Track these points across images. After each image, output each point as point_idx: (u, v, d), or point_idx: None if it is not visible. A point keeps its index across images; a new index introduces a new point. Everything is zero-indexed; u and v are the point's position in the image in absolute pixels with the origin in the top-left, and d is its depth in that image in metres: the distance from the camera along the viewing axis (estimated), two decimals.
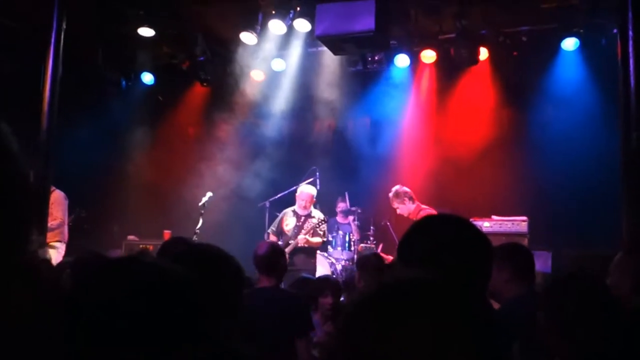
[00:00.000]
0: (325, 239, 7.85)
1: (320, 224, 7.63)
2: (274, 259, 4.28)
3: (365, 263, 5.09)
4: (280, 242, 7.64)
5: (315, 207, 7.94)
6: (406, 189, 7.21)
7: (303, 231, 7.58)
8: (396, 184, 7.60)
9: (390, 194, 7.31)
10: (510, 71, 8.50)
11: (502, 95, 8.71)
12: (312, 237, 7.64)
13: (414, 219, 6.77)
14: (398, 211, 7.24)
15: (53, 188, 7.32)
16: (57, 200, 7.30)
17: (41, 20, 5.93)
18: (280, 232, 7.79)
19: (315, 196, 7.88)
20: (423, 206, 7.23)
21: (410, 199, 7.20)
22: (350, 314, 1.02)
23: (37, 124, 5.22)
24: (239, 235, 7.74)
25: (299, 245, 7.51)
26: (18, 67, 8.79)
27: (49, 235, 7.27)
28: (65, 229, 7.47)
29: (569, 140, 7.75)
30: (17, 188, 0.65)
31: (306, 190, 7.85)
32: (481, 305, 1.80)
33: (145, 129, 10.10)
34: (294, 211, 7.84)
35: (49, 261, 6.08)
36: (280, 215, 7.92)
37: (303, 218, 7.74)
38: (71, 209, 7.75)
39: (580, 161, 7.52)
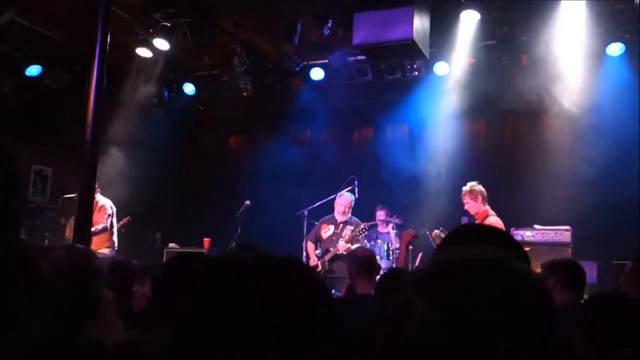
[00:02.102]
0: (365, 246, 7.76)
1: (361, 231, 7.59)
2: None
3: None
4: (318, 251, 7.64)
5: (352, 215, 7.90)
6: (482, 188, 6.97)
7: (342, 239, 7.55)
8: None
9: (465, 188, 6.97)
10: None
11: (543, 101, 8.55)
12: (353, 244, 7.59)
13: (477, 221, 6.70)
14: (466, 207, 6.97)
15: (100, 195, 7.55)
16: (103, 208, 7.53)
17: (85, 32, 6.09)
18: (318, 240, 7.77)
19: (353, 203, 7.85)
20: (492, 212, 6.96)
21: (484, 199, 6.96)
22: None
23: (82, 135, 5.34)
24: (277, 244, 7.76)
25: (339, 252, 7.46)
26: (64, 79, 9.06)
27: (95, 240, 7.46)
28: (113, 236, 7.66)
29: (614, 147, 7.55)
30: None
31: (346, 195, 7.84)
32: None
33: (186, 138, 10.26)
34: (332, 218, 7.83)
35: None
36: (319, 223, 7.91)
37: (341, 225, 7.68)
38: (119, 217, 7.96)
39: (626, 170, 7.32)
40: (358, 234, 7.55)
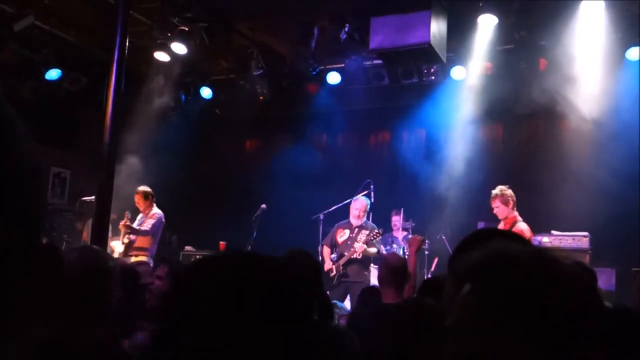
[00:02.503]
0: (379, 250, 7.71)
1: (375, 235, 7.56)
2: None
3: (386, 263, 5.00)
4: (333, 255, 7.62)
5: (368, 220, 7.88)
6: (512, 192, 6.86)
7: (357, 242, 7.50)
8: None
9: (496, 192, 6.80)
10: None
11: (561, 105, 8.48)
12: (369, 247, 7.58)
13: (505, 226, 6.57)
14: (495, 210, 6.85)
15: (150, 206, 7.60)
16: (154, 216, 7.57)
17: (104, 37, 6.15)
18: (334, 245, 7.75)
19: (368, 207, 7.83)
20: (520, 218, 6.83)
21: (514, 204, 6.85)
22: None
23: (100, 137, 5.39)
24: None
25: (355, 255, 7.43)
26: (83, 83, 9.15)
27: (138, 240, 7.49)
28: (154, 246, 7.66)
29: (632, 153, 7.46)
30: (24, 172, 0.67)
31: (361, 199, 7.82)
32: None
33: (202, 142, 10.31)
34: (347, 223, 7.80)
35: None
36: (334, 227, 7.90)
37: (356, 230, 7.64)
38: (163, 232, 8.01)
39: None
40: (372, 237, 7.52)
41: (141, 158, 8.94)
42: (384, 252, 8.21)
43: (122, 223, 7.34)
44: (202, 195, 10.02)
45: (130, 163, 8.47)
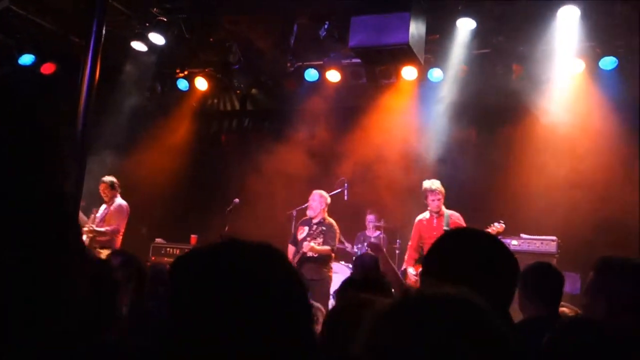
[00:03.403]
0: (334, 248, 7.38)
1: (323, 231, 7.25)
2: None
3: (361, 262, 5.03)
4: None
5: (328, 216, 7.61)
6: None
7: (313, 240, 7.20)
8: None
9: (439, 186, 7.14)
10: None
11: (534, 111, 8.61)
12: (322, 245, 7.24)
13: (434, 217, 7.17)
14: (437, 204, 7.12)
15: (115, 196, 7.56)
16: (118, 209, 7.54)
17: (81, 24, 6.07)
18: (296, 242, 7.57)
19: (327, 200, 7.59)
20: (452, 212, 7.23)
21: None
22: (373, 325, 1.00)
23: (73, 126, 5.33)
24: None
25: (307, 254, 7.14)
26: (57, 68, 9.02)
27: (101, 240, 7.45)
28: (119, 237, 7.63)
29: (604, 161, 7.61)
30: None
31: (315, 193, 7.58)
32: (508, 322, 1.77)
33: (177, 134, 10.24)
34: (308, 220, 7.60)
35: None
36: (298, 224, 7.78)
37: (315, 226, 7.44)
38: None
39: (612, 184, 7.38)
40: (321, 233, 7.25)
41: (113, 148, 8.86)
42: (356, 250, 8.25)
43: (87, 228, 7.33)
44: (174, 188, 9.94)
45: (102, 154, 8.40)
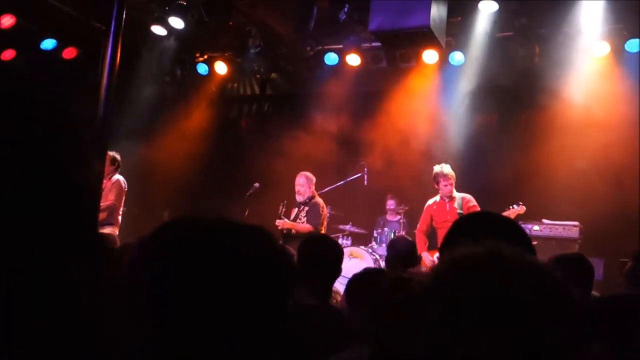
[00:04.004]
0: (317, 226, 7.26)
1: (309, 211, 7.24)
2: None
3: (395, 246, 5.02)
4: None
5: (316, 196, 7.54)
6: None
7: (299, 219, 7.22)
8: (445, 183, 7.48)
9: (450, 171, 7.09)
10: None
11: (558, 96, 8.48)
12: (305, 223, 7.23)
13: (446, 201, 7.09)
14: (449, 188, 7.07)
15: (114, 172, 7.56)
16: (115, 185, 7.53)
17: (101, 8, 6.08)
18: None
19: (313, 180, 7.55)
20: (463, 195, 7.17)
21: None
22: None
23: (94, 111, 5.35)
24: None
25: (284, 231, 7.15)
26: (78, 53, 9.07)
27: (100, 217, 7.45)
28: (118, 214, 7.65)
29: (627, 145, 7.49)
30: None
31: (302, 174, 7.56)
32: None
33: (197, 119, 10.26)
34: (296, 202, 7.57)
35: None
36: (291, 207, 7.71)
37: (302, 206, 7.44)
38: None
39: (637, 168, 7.26)
40: (301, 210, 7.28)
41: (132, 133, 8.90)
42: (375, 235, 8.24)
43: None
44: (194, 172, 9.99)
45: (122, 139, 8.43)
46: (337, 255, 3.47)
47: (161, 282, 0.95)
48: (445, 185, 7.10)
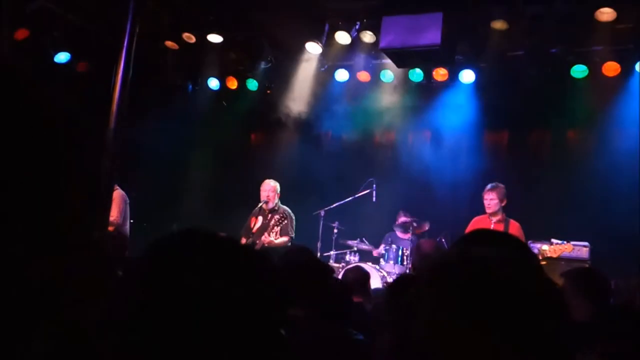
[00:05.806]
0: (292, 237, 7.28)
1: (279, 220, 7.14)
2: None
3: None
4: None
5: (281, 203, 7.56)
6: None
7: (272, 230, 7.11)
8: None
9: (493, 185, 6.88)
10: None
11: (568, 114, 8.46)
12: (279, 237, 7.15)
13: (497, 224, 6.80)
14: (489, 202, 6.87)
15: (115, 187, 7.54)
16: (116, 199, 7.51)
17: (115, 22, 6.15)
18: (249, 234, 7.43)
19: (278, 188, 7.55)
20: (513, 221, 6.96)
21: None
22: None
23: (105, 123, 5.39)
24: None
25: (265, 245, 6.99)
26: (90, 67, 9.15)
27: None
28: (125, 228, 7.62)
29: (635, 165, 7.44)
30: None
31: (268, 181, 7.54)
32: None
33: (208, 133, 10.30)
34: (260, 209, 7.49)
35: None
36: (249, 216, 7.66)
37: (269, 215, 7.40)
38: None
39: None
40: (278, 223, 7.16)
41: (144, 145, 8.94)
42: (383, 252, 8.20)
43: None
44: (203, 186, 10.01)
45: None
46: (324, 266, 3.45)
47: (150, 297, 0.94)
48: (486, 200, 6.89)
